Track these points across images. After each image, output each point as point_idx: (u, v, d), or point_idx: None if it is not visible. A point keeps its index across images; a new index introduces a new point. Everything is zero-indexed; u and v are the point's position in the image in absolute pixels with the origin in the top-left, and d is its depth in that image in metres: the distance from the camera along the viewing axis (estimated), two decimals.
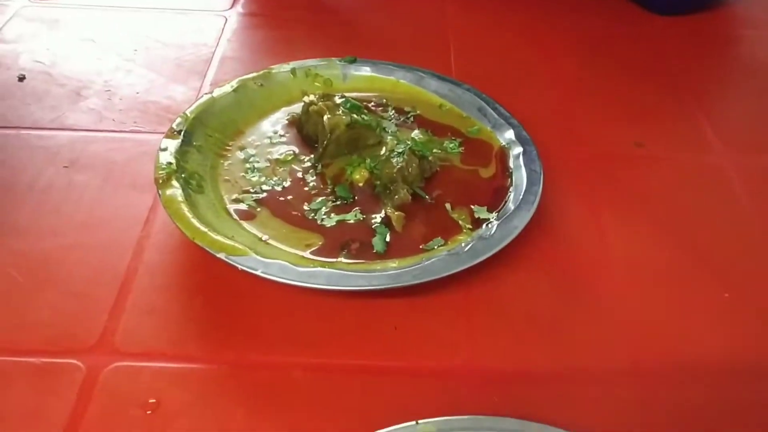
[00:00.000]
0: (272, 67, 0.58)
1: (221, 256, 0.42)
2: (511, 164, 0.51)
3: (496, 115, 0.55)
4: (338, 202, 0.48)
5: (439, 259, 0.43)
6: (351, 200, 0.49)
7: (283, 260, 0.42)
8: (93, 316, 0.43)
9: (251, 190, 0.49)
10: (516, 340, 0.43)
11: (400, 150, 0.50)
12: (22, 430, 0.37)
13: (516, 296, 0.46)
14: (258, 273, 0.41)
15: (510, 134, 0.53)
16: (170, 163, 0.48)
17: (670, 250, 0.49)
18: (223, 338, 0.42)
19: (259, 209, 0.48)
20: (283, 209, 0.48)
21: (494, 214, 0.47)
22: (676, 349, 0.43)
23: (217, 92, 0.55)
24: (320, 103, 0.52)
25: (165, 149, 0.49)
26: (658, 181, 0.55)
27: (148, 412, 0.38)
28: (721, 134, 0.59)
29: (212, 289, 0.45)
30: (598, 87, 0.65)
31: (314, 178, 0.50)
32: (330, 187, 0.49)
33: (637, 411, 0.40)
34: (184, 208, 0.45)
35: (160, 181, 0.47)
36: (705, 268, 0.48)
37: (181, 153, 0.49)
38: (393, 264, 0.44)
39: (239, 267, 0.42)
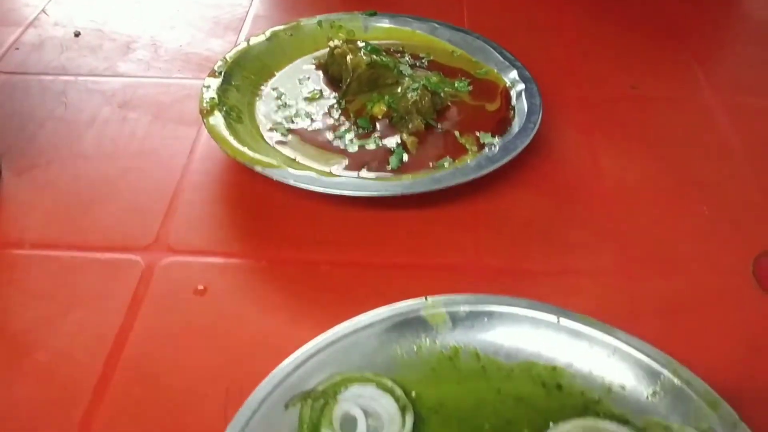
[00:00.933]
0: (301, 19, 0.65)
1: (258, 168, 0.49)
2: (514, 99, 0.57)
3: (502, 59, 0.61)
4: (360, 131, 0.55)
5: (447, 173, 0.50)
6: (371, 130, 0.55)
7: (311, 173, 0.49)
8: (149, 223, 0.50)
9: (283, 122, 0.56)
10: (514, 243, 0.49)
11: (415, 87, 0.56)
12: (91, 311, 0.45)
13: (515, 208, 0.52)
14: (290, 182, 0.48)
15: (514, 74, 0.59)
16: (213, 98, 0.55)
17: (657, 172, 0.55)
18: (260, 239, 0.49)
19: (290, 137, 0.54)
20: (312, 137, 0.54)
21: (497, 139, 0.53)
22: (658, 250, 0.49)
23: (252, 41, 0.62)
24: (343, 46, 0.59)
25: (208, 87, 0.56)
26: (649, 117, 0.61)
27: (198, 295, 0.45)
28: (711, 78, 0.65)
29: (250, 200, 0.52)
30: (599, 36, 0.71)
31: (338, 112, 0.57)
32: (353, 119, 0.56)
33: (621, 298, 0.46)
34: (226, 133, 0.52)
35: (205, 111, 0.53)
36: (688, 188, 0.54)
37: (222, 90, 0.56)
38: (407, 177, 0.50)
39: (274, 178, 0.48)
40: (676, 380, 0.38)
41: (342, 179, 0.49)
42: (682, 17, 0.74)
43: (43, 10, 0.73)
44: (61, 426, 0.38)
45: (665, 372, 0.38)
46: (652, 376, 0.39)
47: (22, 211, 0.51)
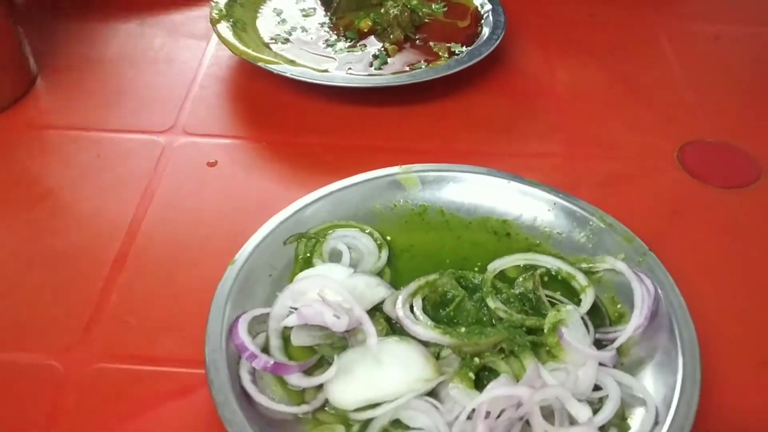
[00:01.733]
0: None
1: (260, 64, 0.57)
2: (482, 18, 0.66)
3: None
4: (348, 42, 0.63)
5: (422, 73, 0.58)
6: (356, 39, 0.63)
7: (306, 69, 0.58)
8: (167, 112, 0.59)
9: (282, 34, 0.64)
10: (478, 133, 0.58)
11: (396, 5, 0.64)
12: (120, 176, 0.53)
13: (480, 107, 0.61)
14: (288, 75, 0.57)
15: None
16: (221, 10, 0.63)
17: (604, 81, 0.64)
18: (261, 125, 0.58)
19: (288, 45, 0.63)
20: (307, 44, 0.63)
21: (466, 49, 0.62)
22: (599, 139, 0.58)
23: None
24: None
25: (216, 3, 0.64)
26: (602, 38, 0.70)
27: (210, 167, 0.54)
28: (657, 7, 0.74)
29: (253, 95, 0.61)
30: None
31: (330, 27, 0.65)
32: (342, 32, 0.64)
33: (566, 174, 0.55)
34: (230, 35, 0.60)
35: (214, 20, 0.62)
36: (630, 93, 0.63)
37: (228, 6, 0.64)
38: (388, 75, 0.59)
39: (274, 71, 0.57)
40: (601, 224, 0.47)
41: (333, 74, 0.58)
42: None
43: None
44: (98, 261, 0.47)
45: (594, 219, 0.47)
46: (583, 222, 0.47)
47: (58, 102, 0.60)
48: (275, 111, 0.59)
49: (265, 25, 0.65)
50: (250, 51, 0.59)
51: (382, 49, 0.62)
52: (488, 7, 0.66)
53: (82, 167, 0.54)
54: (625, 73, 0.65)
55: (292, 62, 0.60)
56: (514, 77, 0.63)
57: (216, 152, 0.55)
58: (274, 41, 0.63)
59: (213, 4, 0.64)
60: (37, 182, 0.53)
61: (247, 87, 0.61)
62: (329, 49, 0.62)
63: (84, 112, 0.58)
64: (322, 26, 0.65)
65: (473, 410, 0.37)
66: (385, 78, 0.57)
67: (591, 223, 0.47)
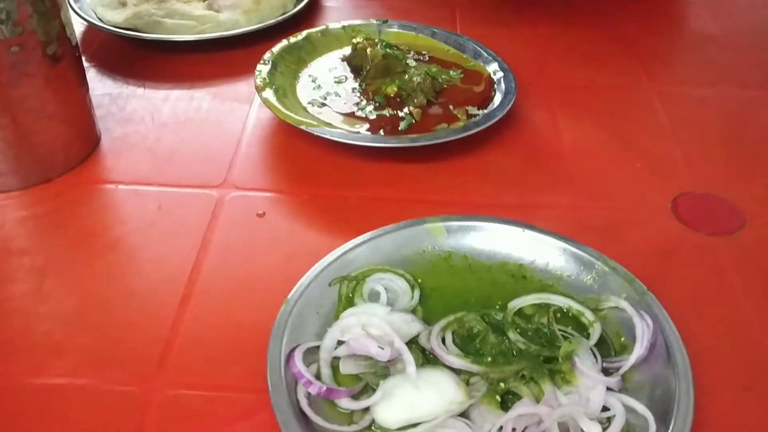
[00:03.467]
0: (328, 24, 0.82)
1: (302, 127, 0.65)
2: (495, 84, 0.74)
3: (487, 55, 0.78)
4: (377, 105, 0.71)
5: (444, 133, 0.66)
6: (384, 103, 0.71)
7: (343, 131, 0.65)
8: (218, 169, 0.66)
9: (318, 98, 0.72)
10: (492, 187, 0.66)
11: (419, 73, 0.73)
12: (178, 229, 0.60)
13: (494, 163, 0.68)
14: (326, 137, 0.64)
15: (495, 66, 0.76)
16: (264, 79, 0.71)
17: (604, 139, 0.72)
18: (303, 180, 0.65)
19: (324, 108, 0.71)
20: (341, 108, 0.71)
21: (483, 111, 0.70)
22: (600, 192, 0.65)
23: (291, 39, 0.78)
24: (364, 42, 0.75)
25: (260, 71, 0.73)
26: (601, 101, 0.78)
27: (259, 217, 0.61)
28: (650, 73, 0.82)
29: (295, 154, 0.68)
30: (567, 41, 0.88)
31: (360, 92, 0.74)
32: (371, 96, 0.72)
33: (571, 223, 0.62)
34: (276, 102, 0.68)
35: (259, 88, 0.70)
36: (626, 150, 0.70)
37: (270, 74, 0.73)
38: (413, 135, 0.66)
39: (314, 133, 0.65)
40: (606, 268, 0.54)
41: (366, 135, 0.65)
42: (631, 27, 0.91)
43: None
44: (166, 301, 0.54)
45: (599, 263, 0.54)
46: (590, 266, 0.55)
47: (119, 162, 0.67)
48: (314, 167, 0.67)
49: (303, 90, 0.74)
50: (292, 114, 0.66)
51: (408, 112, 0.70)
52: (500, 74, 0.74)
53: (145, 218, 0.61)
54: (622, 131, 0.73)
55: (328, 124, 0.68)
56: (524, 136, 0.71)
57: (263, 204, 0.62)
58: (311, 104, 0.71)
59: (257, 72, 0.72)
60: (108, 232, 0.60)
61: (288, 145, 0.69)
62: (361, 112, 0.70)
63: (144, 169, 0.66)
64: (353, 91, 0.74)
65: (501, 427, 0.43)
66: (410, 138, 0.65)
67: (596, 267, 0.54)
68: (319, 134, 0.65)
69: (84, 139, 0.67)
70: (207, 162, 0.67)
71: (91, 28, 0.86)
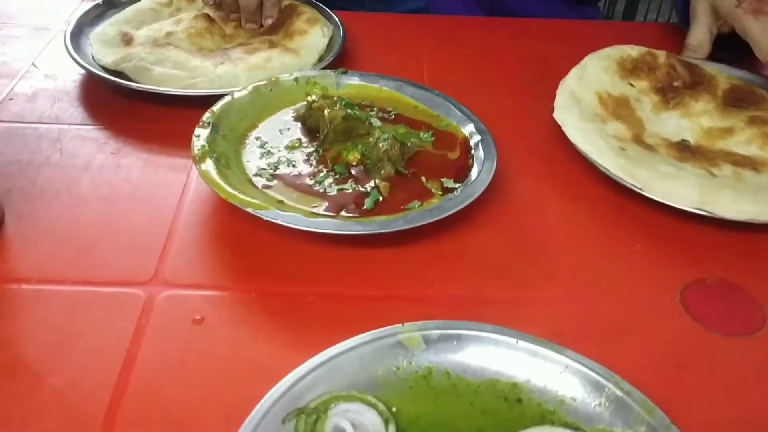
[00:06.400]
0: (279, 76, 0.71)
1: (249, 210, 0.54)
2: (472, 149, 0.64)
3: (460, 114, 0.68)
4: (337, 176, 0.61)
5: (416, 214, 0.56)
6: (347, 175, 0.61)
7: (298, 213, 0.55)
8: (147, 259, 0.55)
9: (267, 168, 0.62)
10: (475, 276, 0.56)
11: (385, 137, 0.63)
12: (98, 340, 0.49)
13: (475, 246, 0.59)
14: (278, 222, 0.54)
15: (471, 127, 0.67)
16: (203, 146, 0.60)
17: (595, 212, 0.63)
18: (249, 273, 0.55)
19: (275, 181, 0.60)
20: (294, 182, 0.61)
21: (459, 185, 0.60)
22: (599, 281, 0.56)
23: (236, 95, 0.68)
24: (321, 101, 0.65)
25: (198, 136, 0.62)
26: (585, 165, 0.69)
27: (196, 325, 0.50)
28: None
29: (239, 238, 0.57)
30: (543, 94, 0.79)
31: (317, 159, 0.63)
32: (330, 166, 0.62)
33: (569, 323, 0.53)
34: (217, 177, 0.57)
35: (197, 158, 0.59)
36: (623, 226, 0.62)
37: (211, 139, 0.62)
38: (382, 218, 0.56)
39: (264, 218, 0.54)
40: (618, 392, 0.45)
41: (324, 219, 0.55)
42: None
43: (33, 64, 0.78)
44: None
45: (609, 385, 0.45)
46: (598, 388, 0.45)
47: (26, 250, 0.55)
48: (263, 256, 0.56)
49: (250, 156, 0.63)
50: (237, 193, 0.56)
51: (374, 186, 0.60)
52: (477, 137, 0.65)
53: (55, 329, 0.49)
54: (615, 203, 0.64)
55: (280, 203, 0.57)
56: (507, 212, 0.62)
57: (202, 306, 0.52)
58: (259, 176, 0.61)
59: (195, 138, 0.61)
60: (5, 350, 0.48)
61: (231, 228, 0.58)
62: (318, 186, 0.60)
63: (56, 261, 0.54)
64: (309, 158, 0.63)
65: None
66: (378, 223, 0.55)
67: (606, 389, 0.45)
68: (269, 219, 0.54)
69: None
70: (133, 250, 0.56)
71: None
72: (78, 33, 0.79)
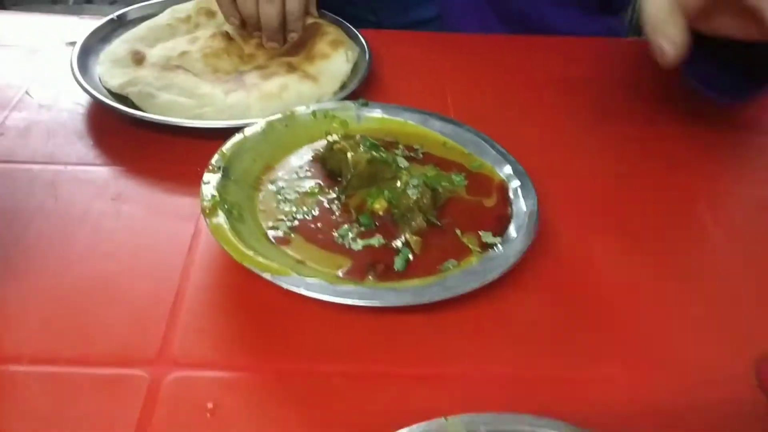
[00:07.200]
0: (295, 109, 0.65)
1: (267, 276, 0.48)
2: (510, 195, 0.58)
3: (493, 152, 0.62)
4: (362, 229, 0.55)
5: (455, 278, 0.50)
6: (373, 227, 0.55)
7: (320, 280, 0.49)
8: (151, 333, 0.49)
9: (285, 219, 0.55)
10: (519, 349, 0.50)
11: (415, 183, 0.56)
12: None
13: (518, 311, 0.52)
14: (300, 291, 0.48)
15: (508, 169, 0.60)
16: (214, 195, 0.54)
17: (652, 272, 0.56)
18: (268, 350, 0.48)
19: (293, 235, 0.54)
20: (315, 235, 0.54)
21: (499, 239, 0.54)
22: (658, 356, 0.50)
23: (248, 132, 0.61)
24: (343, 142, 0.59)
25: (208, 183, 0.55)
26: (635, 208, 0.63)
27: (208, 415, 0.44)
28: (693, 167, 0.68)
29: (254, 306, 0.51)
30: (578, 122, 0.73)
31: (339, 208, 0.57)
32: (354, 215, 0.56)
33: (632, 407, 0.46)
34: (230, 234, 0.51)
35: (207, 211, 0.53)
36: (682, 289, 0.55)
37: (221, 186, 0.55)
38: (415, 283, 0.50)
39: (284, 286, 0.48)
40: None
41: (352, 287, 0.49)
42: (661, 102, 0.77)
43: (27, 92, 0.71)
44: None
45: None
46: None
47: (16, 322, 0.49)
48: (281, 326, 0.50)
49: (265, 205, 0.57)
50: (253, 255, 0.49)
51: (404, 242, 0.54)
52: (516, 182, 0.59)
53: (46, 419, 0.43)
54: (669, 256, 0.58)
55: (300, 264, 0.51)
56: (552, 268, 0.56)
57: (214, 391, 0.45)
58: (275, 229, 0.55)
59: (204, 185, 0.55)
60: None
61: (246, 293, 0.52)
62: (342, 239, 0.54)
63: (47, 336, 0.48)
64: (330, 206, 0.57)
65: None
66: (412, 291, 0.49)
67: None
68: (290, 288, 0.48)
69: None
70: (136, 321, 0.49)
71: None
72: (85, 53, 0.73)
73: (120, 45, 0.75)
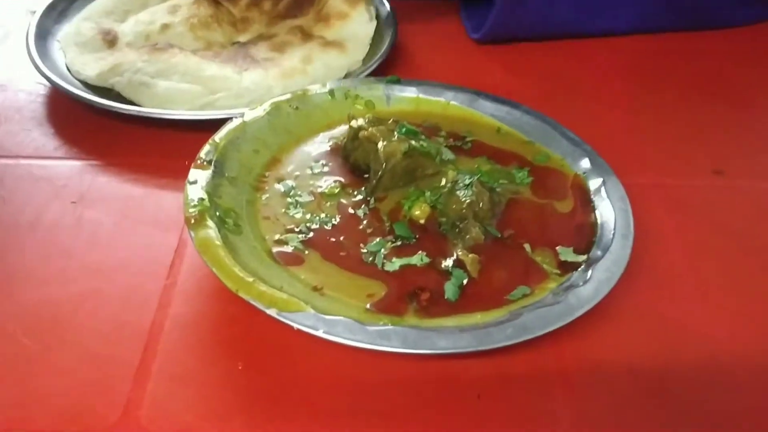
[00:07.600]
0: (308, 87, 0.51)
1: (272, 312, 0.35)
2: (592, 197, 0.45)
3: (564, 141, 0.49)
4: (398, 243, 0.41)
5: (531, 314, 0.36)
6: (413, 240, 0.42)
7: (345, 316, 0.35)
8: (114, 385, 0.36)
9: (296, 230, 0.42)
10: (621, 404, 0.36)
11: (467, 182, 0.43)
12: None
13: (616, 351, 0.39)
14: (319, 334, 0.34)
15: (585, 162, 0.47)
16: (202, 199, 0.41)
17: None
18: (271, 410, 0.35)
19: (307, 252, 0.41)
20: (336, 252, 0.41)
21: (584, 257, 0.40)
22: None
23: (248, 115, 0.48)
24: (371, 128, 0.45)
25: (194, 182, 0.42)
26: (745, 215, 0.49)
27: None
28: None
29: (256, 349, 0.38)
30: (662, 109, 0.59)
31: (367, 213, 0.43)
32: (387, 224, 0.43)
33: None
34: (222, 253, 0.38)
35: (192, 221, 0.39)
36: None
37: (213, 186, 0.42)
38: (476, 319, 0.37)
39: (295, 326, 0.35)
40: None
41: (388, 327, 0.35)
42: (755, 82, 0.62)
43: None
44: None
45: None
46: None
47: None
48: (293, 378, 0.36)
49: (269, 210, 0.43)
50: (254, 283, 0.36)
51: (455, 261, 0.40)
52: (597, 180, 0.45)
53: None
54: None
55: (316, 292, 0.38)
56: (650, 290, 0.42)
57: None
58: (283, 243, 0.41)
59: (189, 186, 0.41)
60: None
61: (244, 330, 0.38)
62: (371, 256, 0.40)
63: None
64: (354, 213, 0.44)
65: None
66: (474, 334, 0.35)
67: None
68: (304, 329, 0.34)
69: None
70: (94, 375, 0.36)
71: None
72: (43, 34, 0.59)
73: (82, 23, 0.61)
